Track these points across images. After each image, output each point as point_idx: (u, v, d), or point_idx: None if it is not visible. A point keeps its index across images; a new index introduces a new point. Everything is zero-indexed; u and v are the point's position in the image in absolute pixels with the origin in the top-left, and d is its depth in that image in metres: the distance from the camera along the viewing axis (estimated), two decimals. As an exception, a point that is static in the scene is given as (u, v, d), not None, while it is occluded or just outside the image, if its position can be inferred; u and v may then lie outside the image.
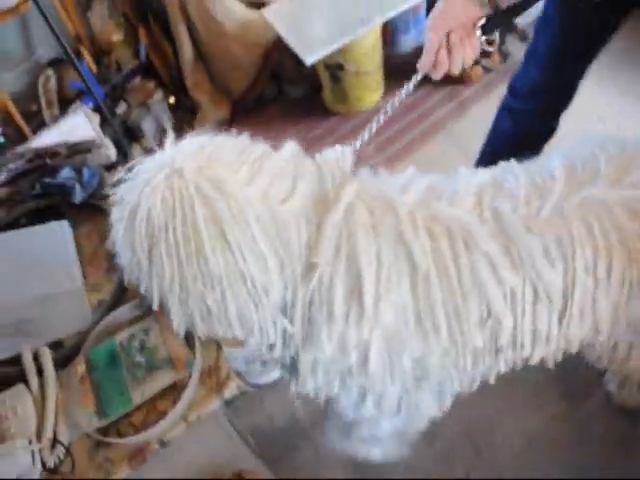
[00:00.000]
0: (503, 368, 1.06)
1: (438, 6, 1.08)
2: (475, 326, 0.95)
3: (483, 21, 1.10)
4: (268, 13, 2.45)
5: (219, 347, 1.13)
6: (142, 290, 0.90)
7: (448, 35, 1.08)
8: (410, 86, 1.13)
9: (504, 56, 2.71)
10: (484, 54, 2.68)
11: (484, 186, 1.01)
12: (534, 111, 1.66)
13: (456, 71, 1.13)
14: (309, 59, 2.22)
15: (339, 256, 0.90)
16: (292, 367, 1.04)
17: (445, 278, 0.93)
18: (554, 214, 0.94)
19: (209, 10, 2.48)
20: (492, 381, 1.11)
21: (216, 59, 2.62)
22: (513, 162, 1.07)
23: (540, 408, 1.64)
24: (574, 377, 1.63)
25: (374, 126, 1.09)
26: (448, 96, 2.59)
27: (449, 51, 1.09)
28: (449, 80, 2.64)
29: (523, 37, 2.75)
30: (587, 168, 1.00)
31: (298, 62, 2.32)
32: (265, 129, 2.68)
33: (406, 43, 2.81)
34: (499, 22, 1.12)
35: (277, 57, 2.60)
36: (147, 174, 0.85)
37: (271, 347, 0.98)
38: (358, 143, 1.06)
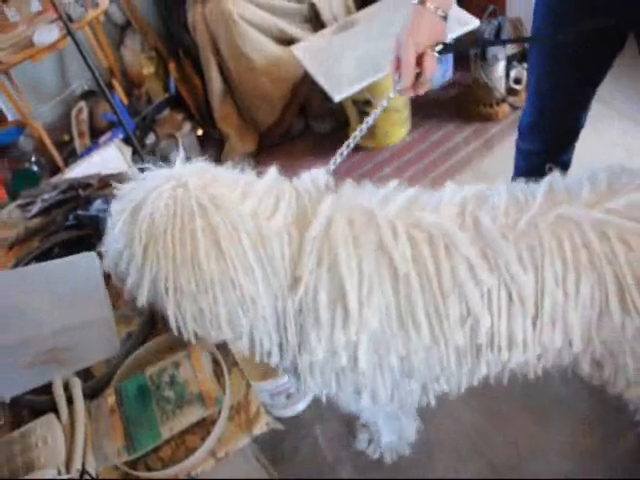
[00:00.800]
0: (485, 370, 1.12)
1: (408, 22, 1.14)
2: (455, 324, 1.02)
3: (441, 46, 1.17)
4: (297, 50, 2.50)
5: (249, 383, 1.12)
6: (127, 283, 0.95)
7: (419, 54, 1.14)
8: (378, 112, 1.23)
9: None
10: (511, 92, 2.70)
11: (468, 198, 1.08)
12: (540, 150, 1.69)
13: (415, 92, 1.21)
14: (337, 96, 2.25)
15: (321, 267, 0.98)
16: (294, 370, 1.11)
17: (426, 280, 1.00)
18: (529, 226, 1.01)
19: (239, 46, 2.54)
20: (475, 383, 1.18)
21: (245, 93, 2.67)
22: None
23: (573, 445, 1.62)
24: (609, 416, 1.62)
25: (346, 149, 1.20)
26: (475, 133, 2.61)
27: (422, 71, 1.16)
28: (476, 117, 2.66)
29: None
30: (569, 191, 1.06)
31: (325, 98, 2.36)
32: (291, 163, 2.72)
33: (434, 80, 2.84)
34: (455, 47, 1.16)
35: (305, 93, 2.64)
36: (155, 182, 0.95)
37: (268, 354, 1.06)
38: (332, 163, 1.16)
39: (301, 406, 1.82)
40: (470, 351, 1.08)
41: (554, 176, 1.11)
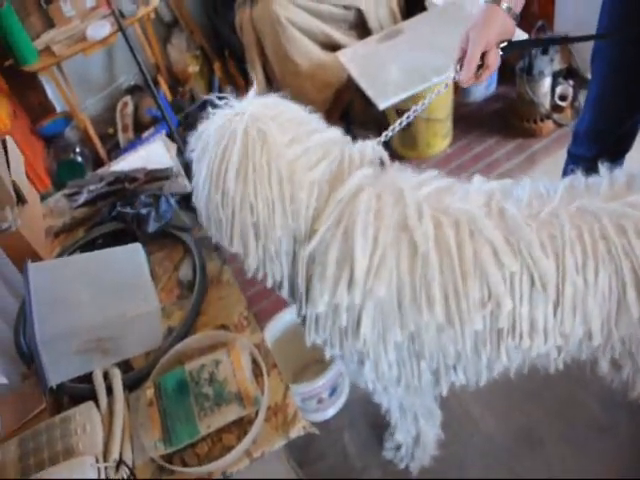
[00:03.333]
0: (505, 360, 1.11)
1: (479, 18, 1.18)
2: (474, 306, 1.03)
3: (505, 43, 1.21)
4: (343, 56, 2.50)
5: (287, 386, 1.13)
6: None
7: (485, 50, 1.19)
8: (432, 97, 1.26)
9: (576, 111, 2.69)
10: (556, 108, 2.66)
11: (494, 190, 1.12)
12: (594, 156, 1.69)
13: (478, 81, 1.25)
14: (382, 104, 2.25)
15: (338, 228, 1.03)
16: (302, 320, 1.19)
17: (446, 260, 1.03)
18: (551, 217, 1.05)
19: (285, 49, 2.55)
20: (496, 376, 1.20)
21: (288, 96, 2.67)
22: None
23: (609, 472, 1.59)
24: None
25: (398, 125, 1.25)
26: (517, 149, 2.58)
27: (485, 66, 1.22)
28: (519, 133, 2.64)
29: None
30: (589, 188, 1.10)
31: (368, 104, 2.36)
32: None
33: (477, 92, 2.82)
34: (520, 46, 1.27)
35: (347, 99, 2.64)
36: (222, 109, 1.08)
37: (280, 286, 1.14)
38: (384, 136, 1.21)
39: (331, 412, 1.81)
40: (490, 337, 1.09)
41: (576, 175, 1.14)
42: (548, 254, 1.02)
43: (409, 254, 1.03)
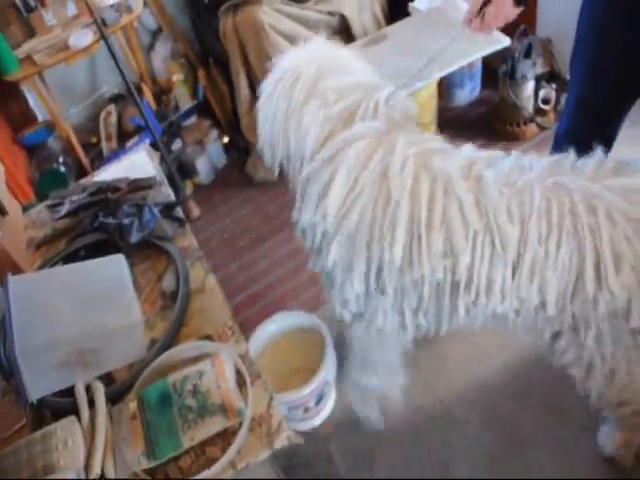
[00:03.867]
0: (462, 312, 1.20)
1: None
2: (436, 256, 1.14)
3: None
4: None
5: (271, 396, 1.12)
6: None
7: None
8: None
9: (559, 114, 2.70)
10: (539, 112, 2.68)
11: (479, 158, 1.20)
12: None
13: (493, 25, 1.39)
14: (367, 109, 2.24)
15: (330, 164, 1.20)
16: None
17: (417, 209, 1.14)
18: (525, 186, 1.11)
19: (268, 55, 2.54)
20: (454, 326, 1.30)
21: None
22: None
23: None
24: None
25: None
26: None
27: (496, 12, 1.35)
28: (502, 136, 2.65)
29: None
30: (574, 167, 1.15)
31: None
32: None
33: (461, 97, 2.83)
34: None
35: (332, 104, 2.64)
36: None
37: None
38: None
39: (317, 421, 1.81)
40: (448, 288, 1.19)
41: (565, 154, 1.19)
42: (514, 220, 1.10)
43: (385, 199, 1.16)
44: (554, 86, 2.76)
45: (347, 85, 1.26)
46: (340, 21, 2.72)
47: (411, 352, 1.65)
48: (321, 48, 1.35)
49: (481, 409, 1.77)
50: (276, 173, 1.39)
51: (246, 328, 1.90)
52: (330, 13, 2.69)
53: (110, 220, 1.41)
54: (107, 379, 1.19)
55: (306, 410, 1.73)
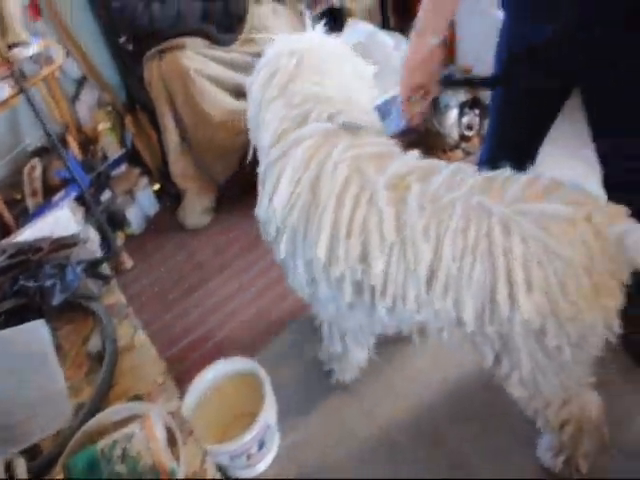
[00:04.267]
0: (382, 314, 1.29)
1: (411, 57, 1.42)
2: (353, 259, 1.23)
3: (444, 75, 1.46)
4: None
5: (205, 452, 1.09)
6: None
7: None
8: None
9: (483, 139, 2.79)
10: (464, 138, 2.76)
11: (416, 167, 1.27)
12: None
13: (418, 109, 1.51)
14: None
15: (280, 161, 1.33)
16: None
17: (340, 214, 1.22)
18: (448, 204, 1.16)
19: (196, 101, 2.55)
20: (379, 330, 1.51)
21: (201, 148, 2.67)
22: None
23: None
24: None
25: None
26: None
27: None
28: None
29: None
30: (505, 183, 1.19)
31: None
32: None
33: (388, 127, 2.88)
34: (459, 82, 1.49)
35: (262, 146, 2.65)
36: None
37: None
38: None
39: (262, 466, 1.78)
40: (366, 291, 1.28)
41: (502, 170, 1.24)
42: (429, 238, 1.15)
43: (317, 201, 1.26)
44: (477, 112, 2.85)
45: (313, 93, 1.36)
46: (265, 63, 2.74)
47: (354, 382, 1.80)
48: (313, 40, 1.45)
49: (424, 434, 1.79)
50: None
51: (185, 378, 1.87)
52: (256, 54, 2.72)
53: (31, 283, 1.36)
54: (32, 452, 1.14)
55: (249, 457, 1.70)
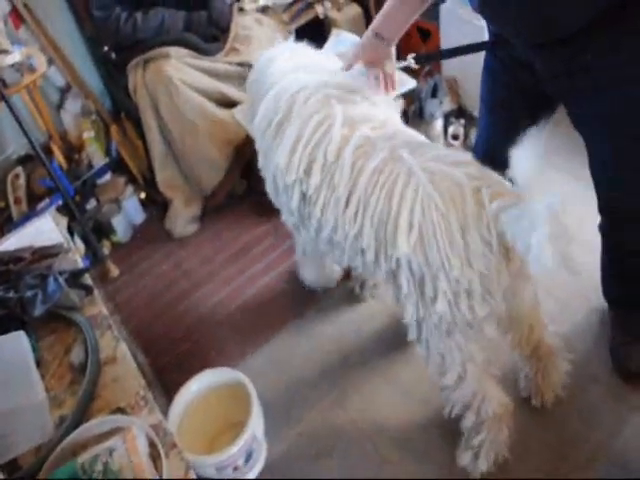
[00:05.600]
0: (315, 226, 1.50)
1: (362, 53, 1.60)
2: (301, 171, 1.46)
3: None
4: (238, 112, 2.51)
5: (188, 465, 1.08)
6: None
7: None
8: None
9: (468, 148, 2.80)
10: (450, 147, 2.77)
11: (378, 120, 1.48)
12: None
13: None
14: (279, 158, 2.26)
15: (284, 123, 1.55)
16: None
17: (302, 129, 1.47)
18: (378, 149, 1.38)
19: (181, 110, 2.54)
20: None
21: (187, 156, 2.66)
22: None
23: None
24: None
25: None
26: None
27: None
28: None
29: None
30: (431, 149, 1.39)
31: (268, 159, 2.37)
32: (236, 224, 2.71)
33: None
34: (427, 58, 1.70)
35: (248, 154, 2.65)
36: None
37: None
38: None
39: (250, 477, 1.76)
40: (308, 201, 1.49)
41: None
42: (354, 169, 1.37)
43: (288, 118, 1.53)
44: (462, 122, 2.86)
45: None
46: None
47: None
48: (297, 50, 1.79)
49: (414, 449, 1.79)
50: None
51: (172, 388, 1.85)
52: (240, 64, 2.72)
53: (11, 294, 1.35)
54: (12, 466, 1.12)
55: (236, 469, 1.68)
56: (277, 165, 1.52)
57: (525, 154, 1.10)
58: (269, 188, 1.72)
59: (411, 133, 1.51)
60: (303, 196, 1.50)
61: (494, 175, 1.32)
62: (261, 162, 1.72)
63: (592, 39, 1.28)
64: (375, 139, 1.40)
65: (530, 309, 1.54)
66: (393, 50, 1.59)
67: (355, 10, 3.11)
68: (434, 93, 2.81)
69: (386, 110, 1.58)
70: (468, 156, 1.38)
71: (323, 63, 1.72)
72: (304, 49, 1.82)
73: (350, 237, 1.41)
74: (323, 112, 1.48)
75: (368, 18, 3.11)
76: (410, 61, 1.63)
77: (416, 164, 1.31)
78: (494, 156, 1.65)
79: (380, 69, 1.61)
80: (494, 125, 1.77)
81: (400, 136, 1.43)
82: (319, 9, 3.05)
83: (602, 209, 1.65)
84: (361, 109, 1.51)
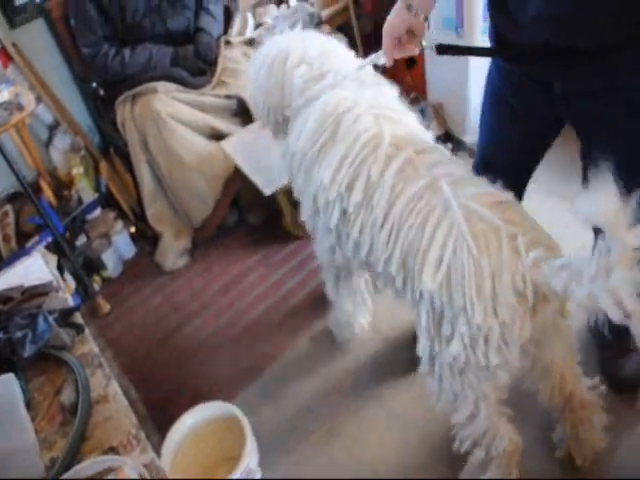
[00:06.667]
0: (353, 244, 1.51)
1: (388, 18, 1.48)
2: (344, 187, 1.46)
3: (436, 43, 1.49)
4: (227, 145, 2.53)
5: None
6: None
7: (399, 38, 1.48)
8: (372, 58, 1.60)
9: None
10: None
11: (422, 143, 1.48)
12: None
13: (399, 56, 1.54)
14: (267, 190, 2.29)
15: (304, 109, 1.62)
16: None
17: (350, 150, 1.46)
18: (419, 176, 1.36)
19: (169, 144, 2.55)
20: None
21: (176, 190, 2.67)
22: None
23: None
24: None
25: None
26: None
27: (400, 48, 1.50)
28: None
29: (472, 154, 2.89)
30: (471, 183, 1.36)
31: (257, 190, 2.38)
32: (227, 256, 2.71)
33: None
34: (451, 49, 1.52)
35: (237, 186, 2.66)
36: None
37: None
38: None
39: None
40: (346, 219, 1.50)
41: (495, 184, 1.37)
42: (393, 192, 1.36)
43: (334, 138, 1.51)
44: (449, 146, 2.89)
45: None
46: (238, 104, 2.77)
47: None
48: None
49: (409, 472, 1.78)
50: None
51: (165, 423, 1.83)
52: (228, 97, 2.75)
53: (0, 335, 1.34)
54: (3, 511, 1.10)
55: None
56: (321, 181, 1.51)
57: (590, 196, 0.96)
58: (306, 209, 1.71)
59: (456, 163, 1.47)
60: (343, 213, 1.49)
61: (532, 221, 1.29)
62: (299, 184, 1.68)
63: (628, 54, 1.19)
64: (418, 164, 1.39)
65: (561, 359, 1.48)
66: (424, 24, 1.48)
67: (341, 40, 3.15)
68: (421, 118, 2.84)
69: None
70: (509, 196, 1.33)
71: (349, 66, 1.66)
72: (320, 44, 1.73)
73: (382, 261, 1.40)
74: (372, 131, 1.46)
75: (354, 47, 3.15)
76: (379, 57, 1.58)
77: (454, 199, 1.27)
78: (494, 169, 1.66)
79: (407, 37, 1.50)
80: (495, 145, 1.72)
81: (443, 165, 1.40)
82: (304, 41, 3.09)
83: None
84: (407, 129, 1.51)
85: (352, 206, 1.44)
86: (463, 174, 1.39)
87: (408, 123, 1.56)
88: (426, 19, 1.47)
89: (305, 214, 1.74)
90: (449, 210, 1.26)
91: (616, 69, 1.24)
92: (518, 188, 1.69)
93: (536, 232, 1.24)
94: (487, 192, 1.31)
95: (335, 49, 1.73)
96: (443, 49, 1.48)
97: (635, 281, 0.96)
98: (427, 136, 1.57)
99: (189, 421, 1.81)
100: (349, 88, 1.58)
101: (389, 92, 1.65)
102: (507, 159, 1.68)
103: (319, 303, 2.34)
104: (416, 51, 1.51)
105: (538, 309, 1.21)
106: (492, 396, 1.43)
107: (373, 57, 1.58)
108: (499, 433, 1.49)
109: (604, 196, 0.93)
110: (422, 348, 1.41)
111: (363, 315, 2.17)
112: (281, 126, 1.77)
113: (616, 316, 0.99)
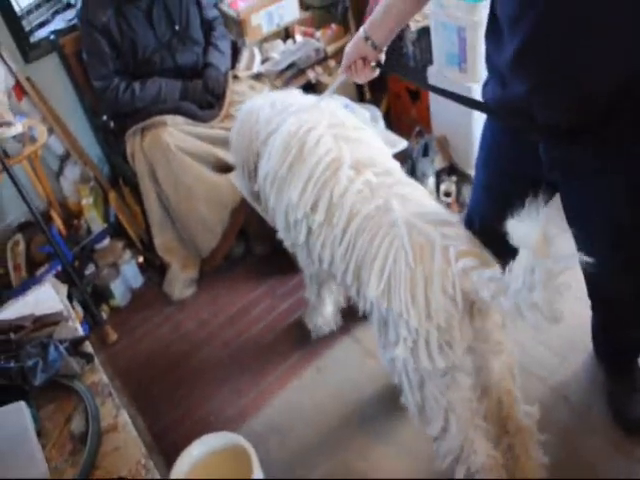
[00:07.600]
0: (317, 256, 1.64)
1: (348, 44, 1.65)
2: (309, 206, 1.59)
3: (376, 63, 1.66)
4: (235, 177, 2.57)
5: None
6: None
7: (355, 62, 1.65)
8: (334, 87, 1.81)
9: (461, 205, 2.85)
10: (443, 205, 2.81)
11: (382, 165, 1.61)
12: None
13: (359, 80, 1.73)
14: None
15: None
16: None
17: (314, 169, 1.59)
18: (375, 197, 1.50)
19: (177, 175, 2.59)
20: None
21: (184, 221, 2.70)
22: None
23: None
24: None
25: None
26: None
27: (355, 71, 1.67)
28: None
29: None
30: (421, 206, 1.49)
31: (263, 220, 2.41)
32: (234, 287, 2.73)
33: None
34: (388, 68, 1.78)
35: (244, 217, 2.69)
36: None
37: None
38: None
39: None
40: (311, 235, 1.63)
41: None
42: (352, 212, 1.48)
43: (301, 158, 1.64)
44: (454, 179, 2.92)
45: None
46: (246, 136, 2.81)
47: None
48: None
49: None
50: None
51: (172, 453, 1.83)
52: (235, 130, 2.79)
53: (12, 364, 1.36)
54: (12, 540, 1.11)
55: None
56: (290, 200, 1.63)
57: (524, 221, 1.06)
58: (279, 224, 1.81)
59: (412, 185, 1.59)
60: (309, 230, 1.62)
61: (470, 238, 1.40)
62: (272, 201, 1.79)
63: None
64: (376, 186, 1.52)
65: (498, 382, 1.54)
66: (378, 54, 1.64)
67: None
68: (425, 152, 2.88)
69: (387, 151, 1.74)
70: (455, 218, 1.45)
71: (304, 100, 1.86)
72: (282, 94, 1.96)
73: (340, 272, 1.55)
74: (332, 154, 1.59)
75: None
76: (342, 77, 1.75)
77: (401, 217, 1.40)
78: (489, 230, 1.65)
79: (362, 63, 1.64)
80: (488, 201, 1.69)
81: (399, 186, 1.53)
82: (310, 74, 3.15)
83: (590, 294, 1.69)
84: (367, 151, 1.64)
85: (315, 225, 1.58)
86: (416, 195, 1.52)
87: (368, 142, 1.70)
88: (381, 51, 1.64)
89: (279, 229, 1.86)
90: (394, 226, 1.39)
91: (585, 148, 1.30)
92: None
93: (470, 246, 1.35)
94: (433, 212, 1.46)
95: (299, 98, 1.90)
96: (382, 68, 1.68)
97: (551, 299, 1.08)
98: (387, 155, 1.71)
99: (195, 451, 1.80)
100: (310, 112, 1.74)
101: (346, 115, 1.80)
102: (494, 219, 1.65)
103: (326, 335, 2.36)
104: (370, 76, 1.70)
105: (474, 314, 1.32)
106: (460, 408, 1.45)
107: (332, 87, 1.81)
108: (474, 447, 1.50)
109: (534, 224, 1.04)
110: (386, 360, 1.51)
111: (336, 313, 2.34)
112: (254, 174, 1.92)
113: (535, 324, 1.12)
